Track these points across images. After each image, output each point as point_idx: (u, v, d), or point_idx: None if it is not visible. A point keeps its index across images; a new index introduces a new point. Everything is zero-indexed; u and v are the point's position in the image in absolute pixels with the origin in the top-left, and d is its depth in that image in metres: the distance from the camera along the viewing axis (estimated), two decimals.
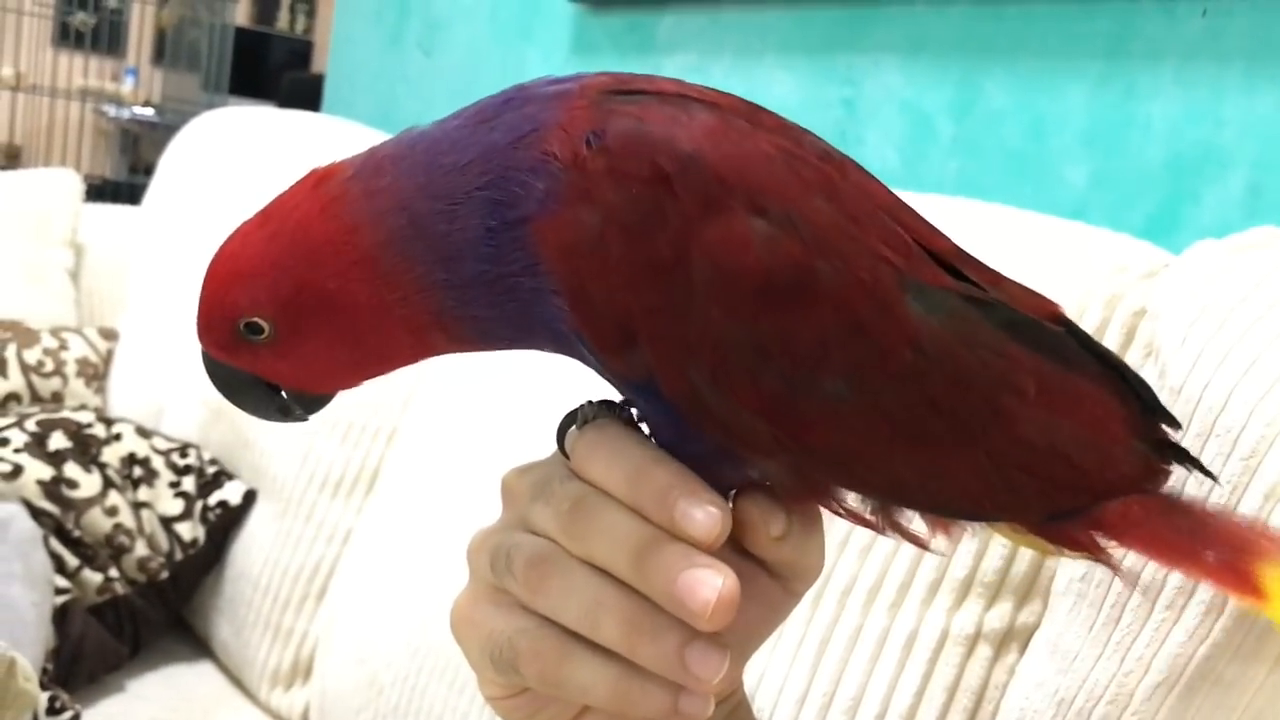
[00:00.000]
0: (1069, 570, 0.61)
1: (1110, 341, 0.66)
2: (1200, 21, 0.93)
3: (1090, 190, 1.00)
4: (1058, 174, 1.03)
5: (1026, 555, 0.66)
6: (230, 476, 1.31)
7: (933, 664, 0.67)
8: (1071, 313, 0.67)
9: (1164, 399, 0.59)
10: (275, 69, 5.01)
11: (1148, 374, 0.63)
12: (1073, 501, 0.35)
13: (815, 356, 0.33)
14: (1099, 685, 0.56)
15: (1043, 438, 0.34)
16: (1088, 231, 0.76)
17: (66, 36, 4.86)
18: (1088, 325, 0.67)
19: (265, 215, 0.38)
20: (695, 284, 0.32)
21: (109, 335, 1.63)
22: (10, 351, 1.49)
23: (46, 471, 1.21)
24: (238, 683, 1.25)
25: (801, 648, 0.70)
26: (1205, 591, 0.52)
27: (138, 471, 1.28)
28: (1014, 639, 0.66)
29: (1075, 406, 0.35)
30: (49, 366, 1.51)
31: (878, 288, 0.33)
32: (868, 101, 1.21)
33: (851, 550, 0.70)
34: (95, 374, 1.55)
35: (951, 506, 0.36)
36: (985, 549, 0.67)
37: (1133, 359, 0.65)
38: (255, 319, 0.37)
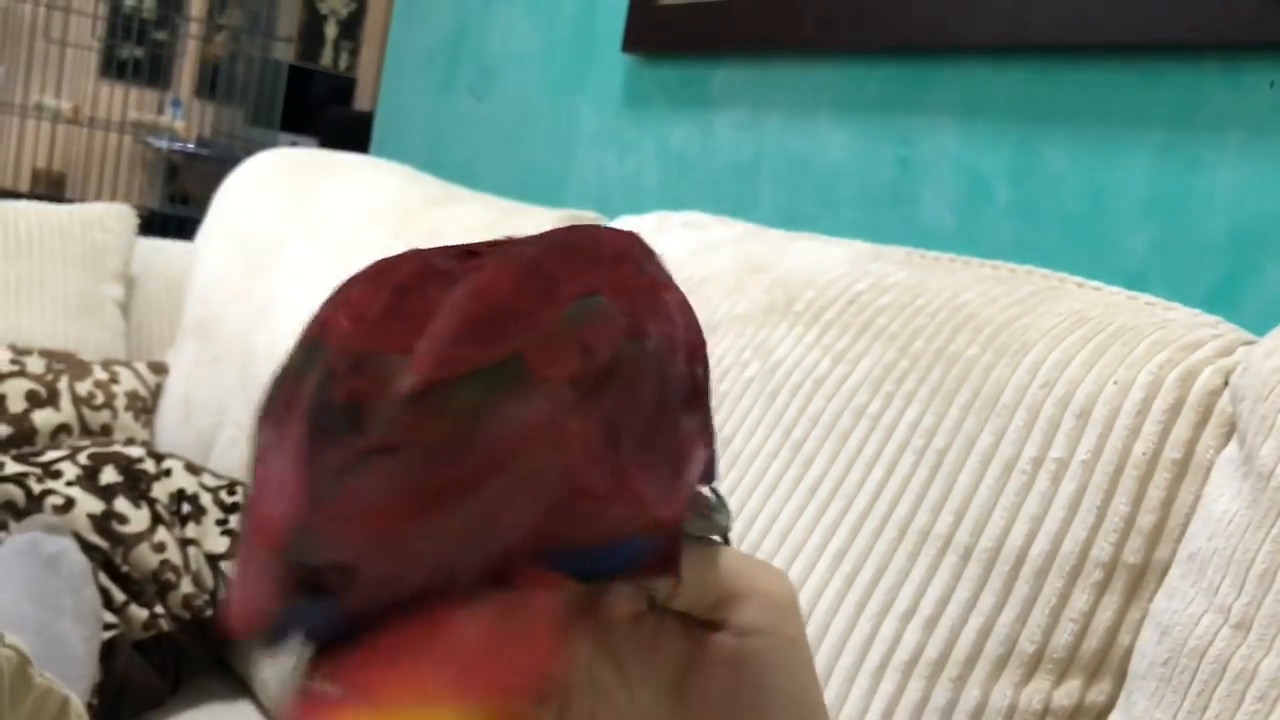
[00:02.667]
0: (1149, 654, 0.60)
1: (1186, 420, 0.66)
2: (1267, 94, 0.93)
3: (1150, 259, 1.00)
4: (1117, 242, 1.03)
5: (1098, 632, 0.65)
6: None
7: None
8: (1144, 388, 0.67)
9: (1250, 484, 0.59)
10: (318, 104, 5.07)
11: (1230, 455, 0.63)
12: None
13: None
14: None
15: None
16: (1159, 304, 0.76)
17: (111, 67, 4.93)
18: (1162, 402, 0.67)
19: None
20: None
21: (158, 369, 1.64)
22: (63, 383, 1.51)
23: (98, 506, 1.22)
24: None
25: None
26: None
27: (186, 508, 1.29)
28: (1082, 717, 0.66)
29: None
30: (99, 399, 1.52)
31: None
32: (923, 162, 1.21)
33: (916, 622, 0.70)
34: (144, 408, 1.57)
35: None
36: (1055, 623, 0.66)
37: (1211, 438, 0.65)
38: None
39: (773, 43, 1.37)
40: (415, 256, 0.36)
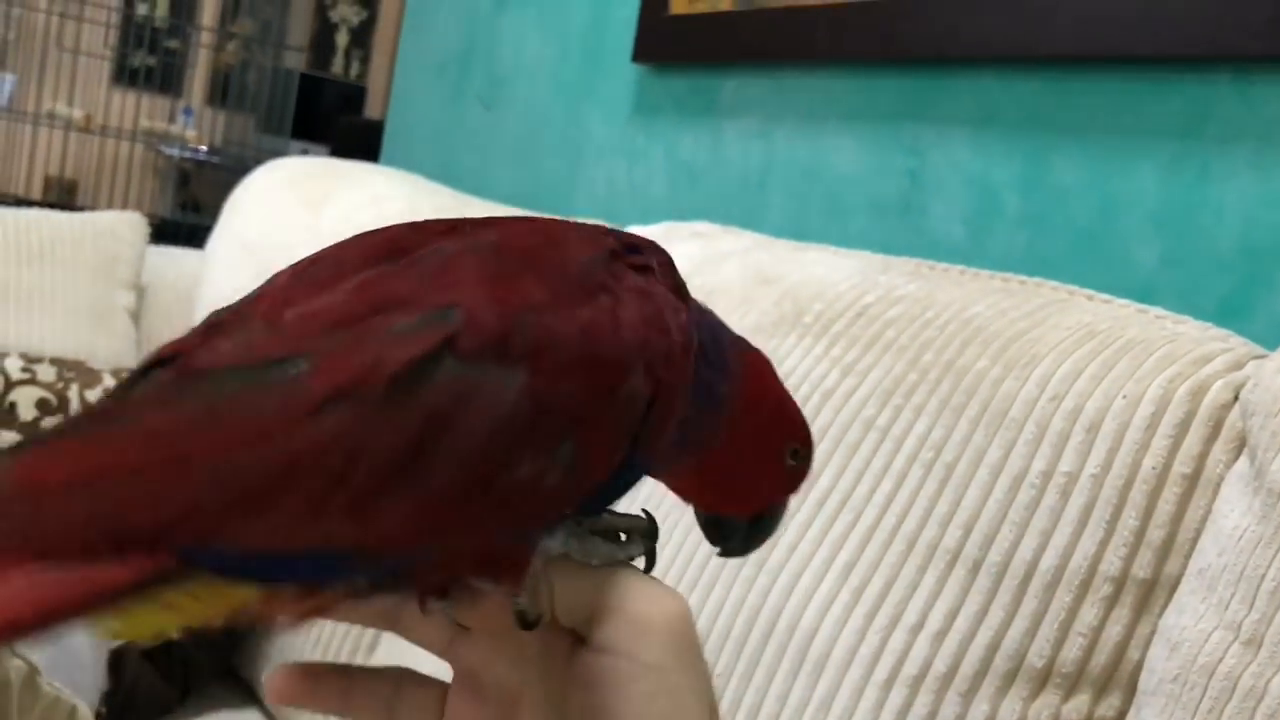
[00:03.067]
0: (1158, 670, 0.60)
1: (1196, 434, 0.66)
2: (1278, 105, 0.93)
3: (1160, 272, 1.00)
4: (1127, 254, 1.03)
5: (1107, 647, 0.65)
6: None
7: None
8: (1154, 402, 0.67)
9: (1261, 500, 0.59)
10: (329, 113, 5.09)
11: (1240, 471, 0.63)
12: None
13: None
14: None
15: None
16: (1169, 318, 0.75)
17: (123, 75, 4.95)
18: (1172, 417, 0.66)
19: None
20: None
21: None
22: (73, 392, 1.51)
23: None
24: None
25: None
26: None
27: None
28: None
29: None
30: None
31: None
32: (933, 173, 1.21)
33: (924, 637, 0.70)
34: None
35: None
36: (1064, 638, 0.66)
37: (1221, 453, 0.65)
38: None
39: (783, 53, 1.37)
40: (392, 230, 0.37)
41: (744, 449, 0.42)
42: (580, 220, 0.42)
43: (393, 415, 0.32)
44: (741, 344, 0.43)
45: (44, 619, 0.30)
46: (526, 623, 0.37)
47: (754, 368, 0.43)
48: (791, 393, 0.45)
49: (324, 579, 0.34)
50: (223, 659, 1.29)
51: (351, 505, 0.32)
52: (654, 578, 0.38)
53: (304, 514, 0.31)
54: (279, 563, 0.32)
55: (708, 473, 0.43)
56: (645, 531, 0.40)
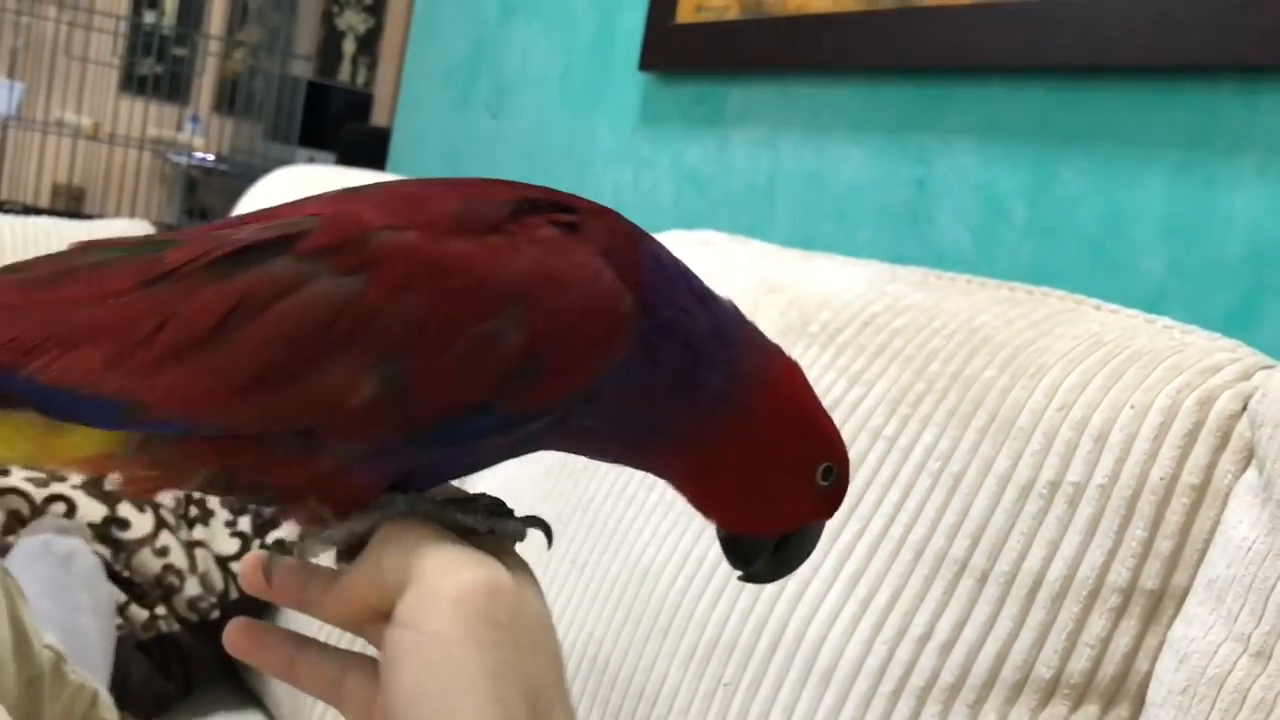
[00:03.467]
0: (1166, 682, 0.60)
1: (1204, 445, 0.65)
2: None
3: (1168, 280, 1.00)
4: (1134, 263, 1.03)
5: (1115, 658, 0.65)
6: None
7: None
8: (1162, 412, 0.67)
9: (1270, 511, 0.59)
10: (336, 120, 5.09)
11: (1249, 482, 0.63)
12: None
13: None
14: None
15: None
16: (1176, 328, 0.75)
17: (131, 83, 4.97)
18: (1180, 427, 0.66)
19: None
20: None
21: None
22: None
23: (100, 511, 1.24)
24: None
25: None
26: None
27: (194, 511, 1.31)
28: None
29: None
30: None
31: None
32: (940, 182, 1.21)
33: (931, 647, 0.70)
34: None
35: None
36: (1073, 648, 0.66)
37: (1230, 464, 0.65)
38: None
39: (789, 62, 1.37)
40: (410, 182, 0.40)
41: (763, 460, 0.41)
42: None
43: (207, 290, 0.35)
44: (768, 349, 0.42)
45: None
46: (340, 553, 0.38)
47: (781, 374, 0.42)
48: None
49: (118, 427, 0.36)
50: (222, 657, 1.30)
51: (154, 361, 0.34)
52: (467, 548, 0.36)
53: (109, 361, 0.34)
54: (83, 403, 0.35)
55: (718, 481, 0.41)
56: (491, 507, 0.40)
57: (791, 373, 0.42)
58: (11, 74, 4.65)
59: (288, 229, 0.35)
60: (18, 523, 1.22)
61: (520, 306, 0.35)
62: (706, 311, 0.40)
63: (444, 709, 0.33)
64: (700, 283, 0.41)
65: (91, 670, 1.01)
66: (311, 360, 0.34)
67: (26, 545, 1.15)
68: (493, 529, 0.39)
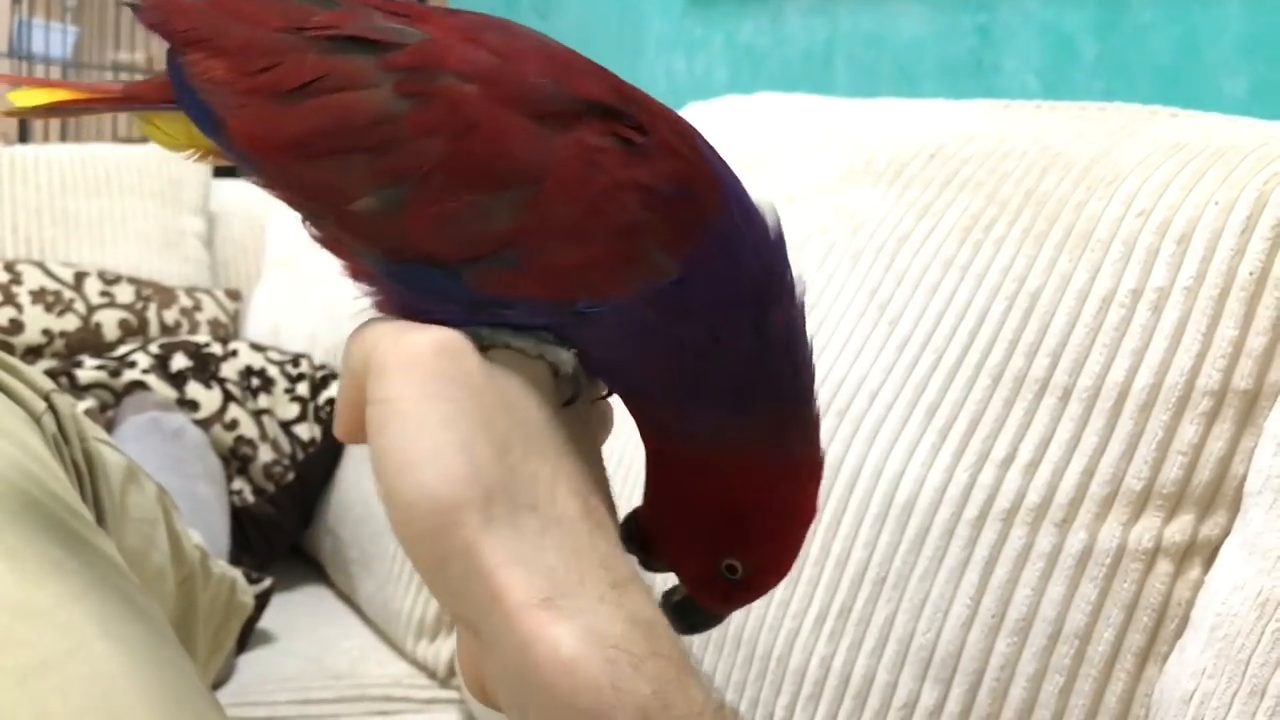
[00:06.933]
0: (1264, 468, 0.57)
1: (1256, 246, 0.62)
2: None
3: (1251, 102, 0.95)
4: (1214, 88, 0.98)
5: (1209, 464, 0.62)
6: (337, 375, 1.34)
7: (1109, 581, 0.63)
8: (1249, 205, 0.63)
9: None
10: None
11: None
12: None
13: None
14: None
15: None
16: (1260, 125, 0.71)
17: None
18: (1269, 218, 0.63)
19: None
20: None
21: (234, 296, 1.67)
22: (152, 311, 1.54)
23: (170, 393, 1.28)
24: (384, 635, 1.26)
25: (966, 571, 0.67)
26: None
27: (255, 382, 1.35)
28: (1196, 553, 0.63)
29: None
30: (185, 327, 1.55)
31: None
32: (1003, 27, 1.16)
33: (1015, 469, 0.67)
34: (225, 335, 1.59)
35: None
36: (1163, 458, 0.63)
37: None
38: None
39: None
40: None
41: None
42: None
43: (310, 55, 0.37)
44: (793, 441, 0.42)
45: (90, 104, 0.42)
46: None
47: (789, 481, 0.43)
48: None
49: (215, 140, 0.39)
50: (303, 518, 1.35)
51: (246, 92, 0.38)
52: (416, 323, 0.37)
53: (225, 78, 0.38)
54: (198, 106, 0.39)
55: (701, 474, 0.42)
56: (543, 337, 0.39)
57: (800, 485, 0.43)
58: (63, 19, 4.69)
59: (393, 37, 0.37)
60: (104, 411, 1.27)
61: (521, 195, 0.36)
62: (755, 336, 0.39)
63: (405, 462, 0.33)
64: (780, 291, 0.40)
65: (214, 534, 1.10)
66: (339, 152, 0.37)
67: (135, 422, 1.20)
68: (542, 354, 0.39)
